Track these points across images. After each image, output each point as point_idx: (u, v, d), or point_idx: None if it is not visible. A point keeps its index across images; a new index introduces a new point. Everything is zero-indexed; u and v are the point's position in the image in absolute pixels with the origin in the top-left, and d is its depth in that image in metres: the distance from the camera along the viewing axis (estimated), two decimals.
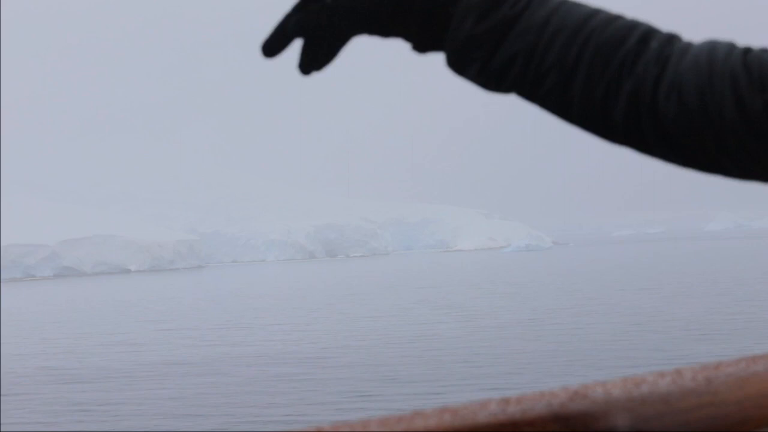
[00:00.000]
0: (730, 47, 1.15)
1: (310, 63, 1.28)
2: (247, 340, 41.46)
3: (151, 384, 29.69)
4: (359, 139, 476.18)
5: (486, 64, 1.19)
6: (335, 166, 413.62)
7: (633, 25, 1.18)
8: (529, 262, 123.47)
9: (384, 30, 1.21)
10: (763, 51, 1.13)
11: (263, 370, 31.46)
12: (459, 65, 1.20)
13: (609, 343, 33.94)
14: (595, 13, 1.16)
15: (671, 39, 1.15)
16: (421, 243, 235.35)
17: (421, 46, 1.21)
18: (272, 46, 1.27)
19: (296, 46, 1.09)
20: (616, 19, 1.18)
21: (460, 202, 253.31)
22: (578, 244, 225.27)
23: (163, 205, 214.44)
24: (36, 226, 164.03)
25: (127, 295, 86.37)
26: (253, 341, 40.61)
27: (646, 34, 1.17)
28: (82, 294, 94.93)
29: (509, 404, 1.04)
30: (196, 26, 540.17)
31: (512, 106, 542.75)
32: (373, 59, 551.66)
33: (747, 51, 1.12)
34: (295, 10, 1.23)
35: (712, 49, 1.14)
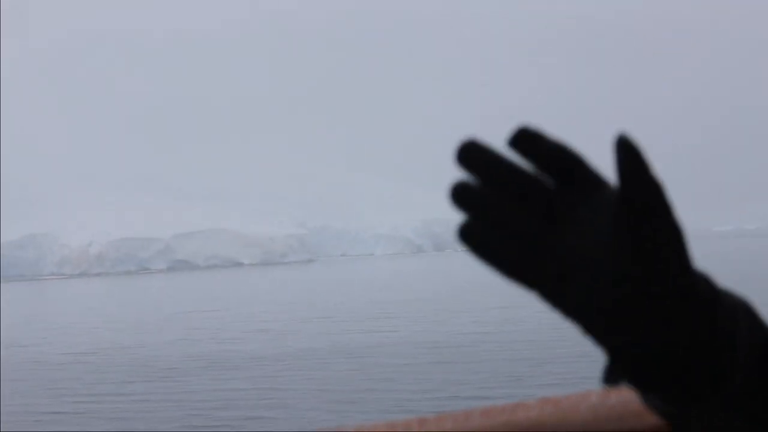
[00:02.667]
0: None
1: None
2: (382, 329, 41.94)
3: (302, 369, 30.24)
4: (465, 134, 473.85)
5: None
6: (441, 162, 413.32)
7: None
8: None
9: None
10: None
11: (411, 357, 31.86)
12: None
13: None
14: None
15: None
16: None
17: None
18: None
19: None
20: None
21: None
22: None
23: (272, 199, 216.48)
24: (150, 220, 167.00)
25: (249, 287, 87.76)
26: (387, 330, 41.06)
27: None
28: (206, 285, 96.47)
29: (610, 396, 1.02)
30: (308, 24, 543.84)
31: (599, 104, 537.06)
32: (485, 57, 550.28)
33: None
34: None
35: None
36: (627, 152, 0.85)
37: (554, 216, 0.88)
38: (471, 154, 0.88)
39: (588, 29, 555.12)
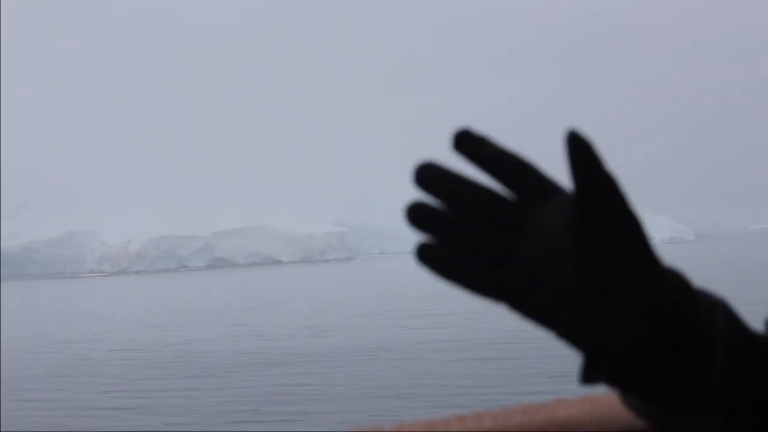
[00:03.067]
0: None
1: None
2: (427, 326, 41.79)
3: (349, 365, 30.14)
4: (505, 131, 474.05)
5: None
6: None
7: None
8: (678, 255, 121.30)
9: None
10: None
11: (458, 353, 31.69)
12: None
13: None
14: None
15: None
16: None
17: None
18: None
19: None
20: None
21: None
22: (720, 236, 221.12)
23: (311, 197, 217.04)
24: (189, 218, 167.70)
25: (291, 284, 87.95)
26: (433, 327, 40.89)
27: None
28: (247, 283, 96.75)
29: None
30: (343, 23, 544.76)
31: (657, 105, 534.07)
32: (521, 55, 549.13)
33: None
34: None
35: None
36: (577, 147, 0.84)
37: (513, 227, 0.87)
38: (428, 173, 0.87)
39: (585, 29, 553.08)
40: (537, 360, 29.46)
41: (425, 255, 0.86)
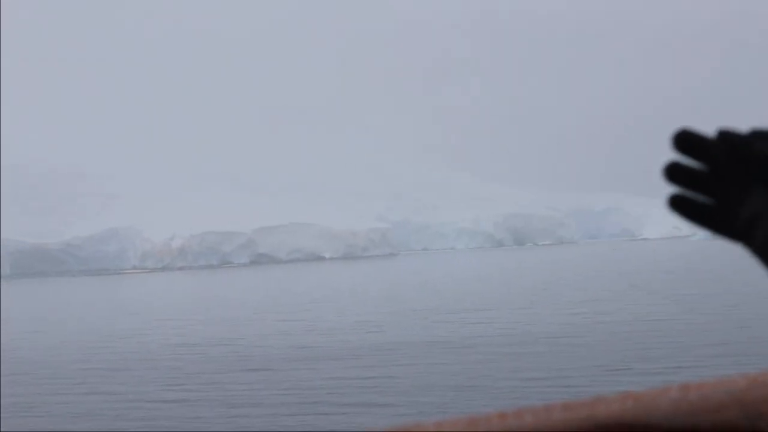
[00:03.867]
0: None
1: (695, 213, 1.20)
2: (479, 320, 41.95)
3: (404, 360, 30.27)
4: (544, 129, 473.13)
5: None
6: (520, 157, 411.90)
7: None
8: (716, 249, 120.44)
9: None
10: None
11: (511, 348, 31.79)
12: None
13: None
14: None
15: None
16: (606, 232, 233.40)
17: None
18: (676, 175, 1.19)
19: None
20: None
21: (642, 191, 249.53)
22: None
23: (354, 194, 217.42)
24: (232, 214, 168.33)
25: (337, 280, 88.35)
26: (485, 322, 41.04)
27: None
28: (293, 279, 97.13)
29: (690, 390, 1.04)
30: (379, 18, 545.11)
31: (695, 99, 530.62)
32: (563, 53, 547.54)
33: None
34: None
35: None
36: (719, 135, 1.14)
37: (744, 184, 1.14)
38: (683, 137, 1.14)
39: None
40: (587, 354, 29.55)
41: (677, 204, 1.16)
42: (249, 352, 34.34)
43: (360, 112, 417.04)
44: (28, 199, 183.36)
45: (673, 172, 1.15)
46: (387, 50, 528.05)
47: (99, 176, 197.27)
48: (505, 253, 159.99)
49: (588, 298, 51.84)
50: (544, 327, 37.96)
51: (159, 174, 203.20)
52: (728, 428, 1.01)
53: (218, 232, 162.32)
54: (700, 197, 1.16)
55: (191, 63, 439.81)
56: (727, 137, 1.13)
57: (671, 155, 1.15)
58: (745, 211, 1.13)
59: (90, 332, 45.97)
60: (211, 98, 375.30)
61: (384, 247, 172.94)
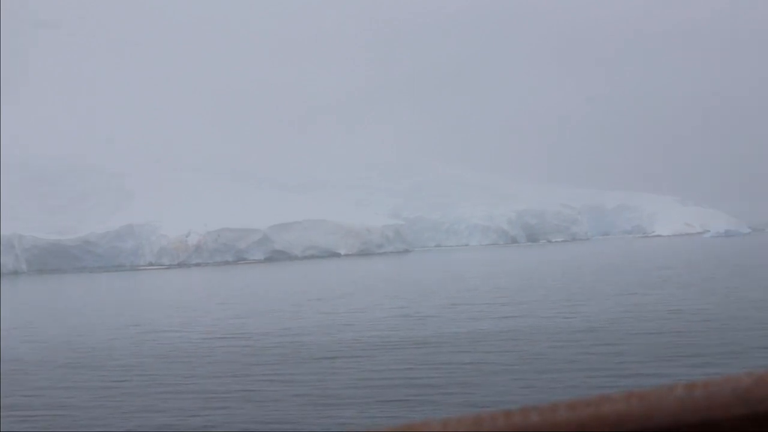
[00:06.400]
0: None
1: None
2: (511, 314, 42.63)
3: (450, 352, 31.04)
4: (557, 126, 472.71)
5: None
6: (534, 153, 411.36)
7: None
8: (735, 248, 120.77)
9: None
10: None
11: (554, 343, 32.55)
12: None
13: None
14: None
15: None
16: (618, 228, 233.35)
17: None
18: None
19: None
20: None
21: (654, 189, 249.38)
22: None
23: (367, 191, 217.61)
24: (248, 211, 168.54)
25: (360, 275, 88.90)
26: (518, 315, 41.72)
27: None
28: (313, 275, 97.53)
29: (695, 389, 1.02)
30: (394, 18, 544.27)
31: (711, 97, 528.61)
32: (581, 50, 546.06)
33: None
34: None
35: None
36: None
37: None
38: None
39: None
40: (614, 349, 30.29)
41: None
42: (298, 345, 35.02)
43: (375, 110, 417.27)
44: (45, 196, 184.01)
45: None
46: (404, 48, 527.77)
47: (116, 173, 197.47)
48: (522, 249, 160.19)
49: (614, 293, 52.42)
50: (584, 320, 38.68)
51: (175, 171, 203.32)
52: (734, 427, 1.00)
53: (234, 228, 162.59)
54: None
55: (208, 61, 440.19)
56: None
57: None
58: None
59: (126, 327, 46.68)
60: (228, 96, 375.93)
61: (398, 243, 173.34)
